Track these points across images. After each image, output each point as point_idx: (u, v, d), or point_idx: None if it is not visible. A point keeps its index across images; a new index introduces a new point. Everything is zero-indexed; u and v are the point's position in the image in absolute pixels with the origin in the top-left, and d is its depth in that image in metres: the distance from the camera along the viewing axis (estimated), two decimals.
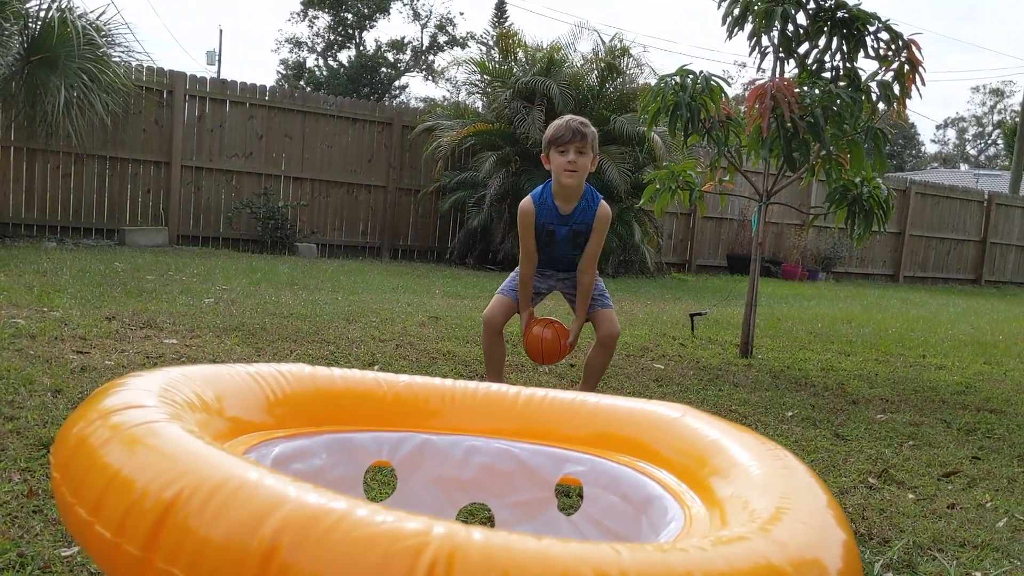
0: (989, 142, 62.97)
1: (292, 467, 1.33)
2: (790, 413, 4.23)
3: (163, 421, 1.01)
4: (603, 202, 3.81)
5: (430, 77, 45.54)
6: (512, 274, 3.96)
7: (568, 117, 3.69)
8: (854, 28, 5.28)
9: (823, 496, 1.06)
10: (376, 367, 4.51)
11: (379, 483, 2.58)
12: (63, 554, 1.97)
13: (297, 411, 1.42)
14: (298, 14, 43.02)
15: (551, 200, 3.75)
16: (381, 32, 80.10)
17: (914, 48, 5.24)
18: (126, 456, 0.94)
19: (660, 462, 1.37)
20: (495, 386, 1.63)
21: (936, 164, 59.92)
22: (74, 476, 0.96)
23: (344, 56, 43.48)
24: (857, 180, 5.52)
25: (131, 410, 1.04)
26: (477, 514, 2.25)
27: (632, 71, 13.32)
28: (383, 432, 1.51)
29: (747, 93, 5.42)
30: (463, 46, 41.62)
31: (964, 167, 54.95)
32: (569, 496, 2.41)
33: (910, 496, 3.05)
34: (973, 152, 64.33)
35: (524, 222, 3.78)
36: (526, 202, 3.79)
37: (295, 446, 1.36)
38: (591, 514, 1.48)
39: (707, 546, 0.83)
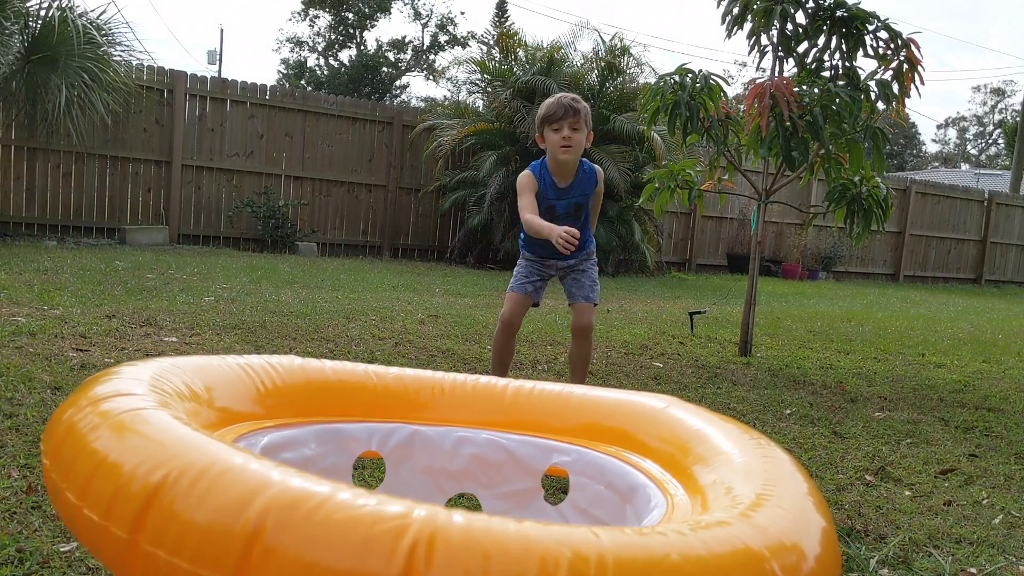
0: (990, 142, 62.91)
1: (281, 456, 1.34)
2: (788, 411, 4.23)
3: (151, 408, 1.02)
4: (595, 167, 3.80)
5: (431, 77, 45.52)
6: (516, 270, 3.93)
7: (560, 94, 3.67)
8: (853, 27, 5.29)
9: (804, 483, 1.07)
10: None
11: (373, 477, 2.59)
12: (62, 549, 1.99)
13: (287, 402, 1.43)
14: (299, 13, 43.01)
15: (549, 177, 3.70)
16: (382, 31, 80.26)
17: (913, 47, 5.25)
18: (114, 441, 0.95)
19: (645, 452, 1.38)
20: (484, 378, 1.64)
21: (937, 164, 59.86)
22: (64, 461, 0.97)
23: (345, 56, 43.50)
24: (856, 179, 5.53)
25: (120, 398, 1.05)
26: (469, 508, 2.26)
27: (632, 70, 13.35)
28: (373, 423, 1.52)
29: (747, 92, 5.42)
30: (464, 45, 41.61)
31: (965, 167, 54.89)
32: (565, 492, 2.42)
33: (907, 493, 3.06)
34: (974, 152, 64.27)
35: (527, 184, 3.70)
36: (527, 171, 3.74)
37: (284, 436, 1.37)
38: (577, 503, 1.49)
39: (686, 530, 0.84)
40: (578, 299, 3.84)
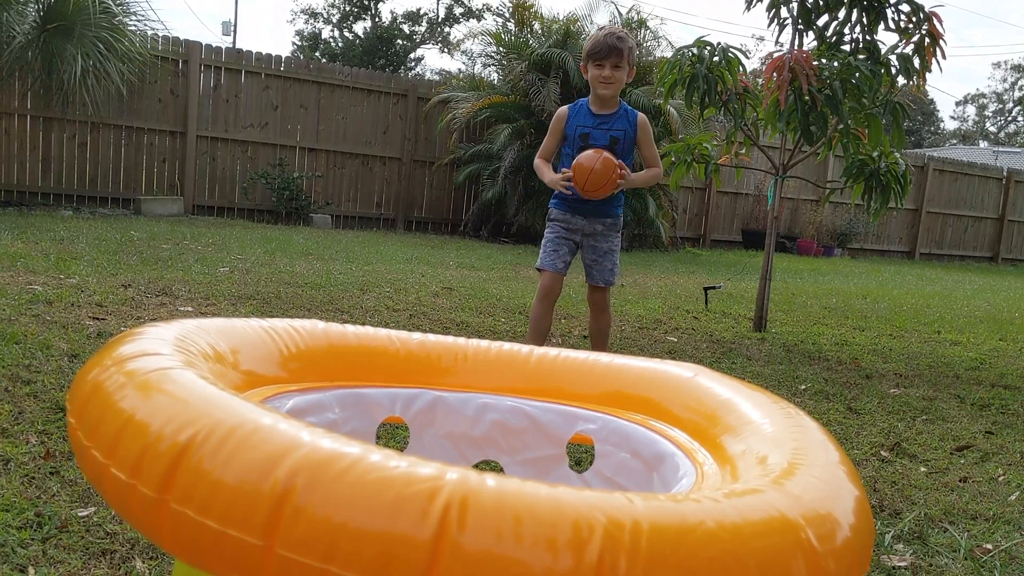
0: (1009, 119, 62.22)
1: (305, 420, 1.34)
2: (803, 386, 4.22)
3: (178, 368, 1.02)
4: (637, 112, 3.89)
5: (445, 49, 45.29)
6: (545, 238, 3.94)
7: (606, 31, 3.77)
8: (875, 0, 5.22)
9: (836, 453, 1.06)
10: None
11: (393, 445, 2.60)
12: (80, 514, 2.00)
13: (311, 366, 1.42)
14: None
15: (586, 105, 3.83)
16: (396, 3, 79.60)
17: (935, 20, 5.17)
18: (141, 400, 0.94)
19: (672, 420, 1.37)
20: (507, 345, 1.63)
21: (955, 141, 59.27)
22: (89, 420, 0.97)
23: (359, 28, 43.31)
24: (875, 154, 5.48)
25: (146, 357, 1.05)
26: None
27: (649, 43, 13.23)
28: (396, 388, 1.52)
29: (764, 67, 5.37)
30: (479, 18, 41.31)
31: (983, 144, 54.34)
32: (580, 464, 2.42)
33: (922, 469, 3.05)
34: (993, 129, 63.60)
35: (555, 123, 3.86)
36: (562, 108, 3.90)
37: (308, 400, 1.37)
38: (602, 471, 1.48)
39: (720, 497, 0.83)
40: (596, 281, 3.94)
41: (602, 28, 3.82)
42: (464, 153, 12.83)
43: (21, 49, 9.66)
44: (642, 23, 12.90)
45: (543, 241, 3.96)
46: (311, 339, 1.46)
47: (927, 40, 5.18)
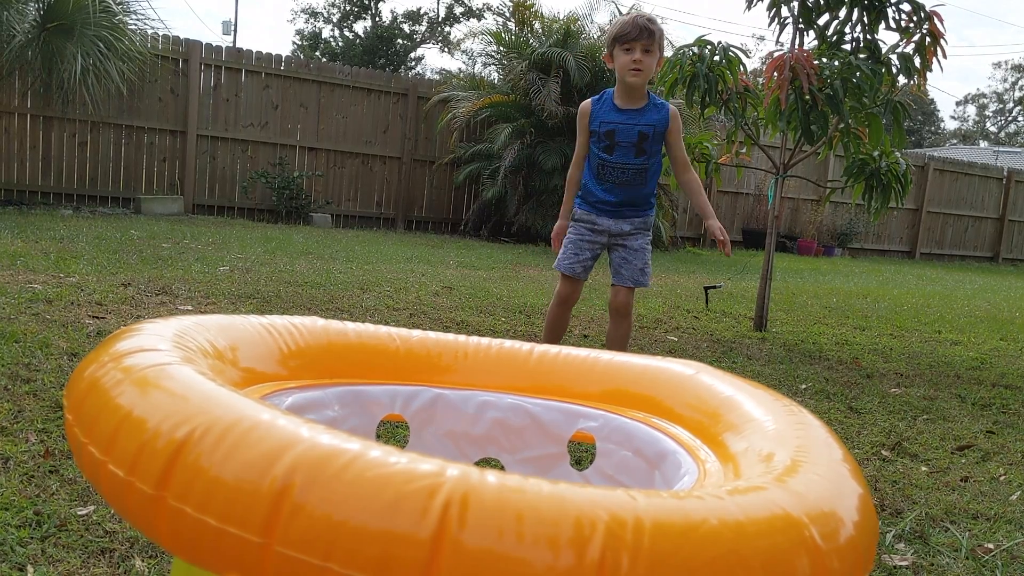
0: (1009, 119, 62.18)
1: (305, 417, 1.34)
2: (804, 386, 4.22)
3: (176, 364, 1.01)
4: (667, 103, 3.67)
5: (446, 49, 45.27)
6: (567, 239, 3.76)
7: (635, 13, 3.59)
8: None
9: (839, 450, 1.05)
10: None
11: (393, 441, 2.59)
12: (79, 513, 1.99)
13: (310, 363, 1.41)
14: None
15: (611, 99, 3.62)
16: (397, 2, 79.55)
17: (936, 19, 5.16)
18: (138, 397, 0.94)
19: (674, 418, 1.37)
20: (508, 342, 1.62)
21: (955, 141, 59.21)
22: (86, 417, 0.96)
23: (360, 27, 43.29)
24: (875, 154, 5.47)
25: (144, 353, 1.04)
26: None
27: None
28: (396, 386, 1.51)
29: (765, 66, 5.36)
30: (479, 17, 41.29)
31: (984, 144, 54.25)
32: (581, 463, 2.41)
33: (923, 469, 3.04)
34: (993, 129, 63.54)
35: (581, 120, 3.67)
36: (585, 102, 3.70)
37: (308, 397, 1.36)
38: (604, 469, 1.48)
39: (723, 495, 0.83)
40: (625, 281, 3.71)
41: (627, 13, 3.61)
42: (464, 152, 12.83)
43: (21, 48, 9.65)
44: None
45: (565, 241, 3.77)
46: (311, 336, 1.45)
47: (928, 39, 5.17)
